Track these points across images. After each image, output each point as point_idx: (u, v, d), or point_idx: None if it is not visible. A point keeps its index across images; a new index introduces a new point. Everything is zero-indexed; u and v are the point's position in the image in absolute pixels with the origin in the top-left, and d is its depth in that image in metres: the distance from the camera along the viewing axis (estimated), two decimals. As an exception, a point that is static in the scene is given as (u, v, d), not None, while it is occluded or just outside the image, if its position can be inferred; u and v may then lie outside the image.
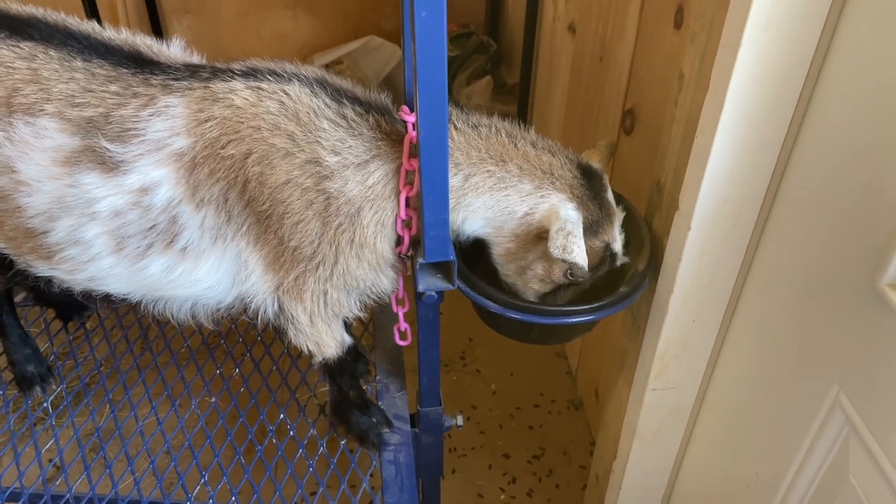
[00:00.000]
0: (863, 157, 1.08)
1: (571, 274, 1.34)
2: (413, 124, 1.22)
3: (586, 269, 1.26)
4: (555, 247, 1.23)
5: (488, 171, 1.29)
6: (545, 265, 1.36)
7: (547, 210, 1.29)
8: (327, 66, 3.19)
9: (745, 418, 1.49)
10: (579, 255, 1.23)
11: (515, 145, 1.31)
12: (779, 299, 1.34)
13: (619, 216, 1.39)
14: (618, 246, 1.38)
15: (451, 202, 1.29)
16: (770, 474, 1.40)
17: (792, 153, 1.25)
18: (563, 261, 1.25)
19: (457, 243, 1.39)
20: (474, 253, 1.45)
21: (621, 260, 1.40)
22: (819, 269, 1.21)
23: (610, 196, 1.37)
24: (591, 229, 1.32)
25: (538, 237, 1.32)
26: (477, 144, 1.30)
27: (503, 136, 1.32)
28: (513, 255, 1.38)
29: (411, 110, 1.23)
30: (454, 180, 1.29)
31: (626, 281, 1.41)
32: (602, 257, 1.36)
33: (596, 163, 1.40)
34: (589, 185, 1.32)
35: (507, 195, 1.30)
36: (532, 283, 1.40)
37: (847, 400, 1.16)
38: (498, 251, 1.39)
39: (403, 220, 1.30)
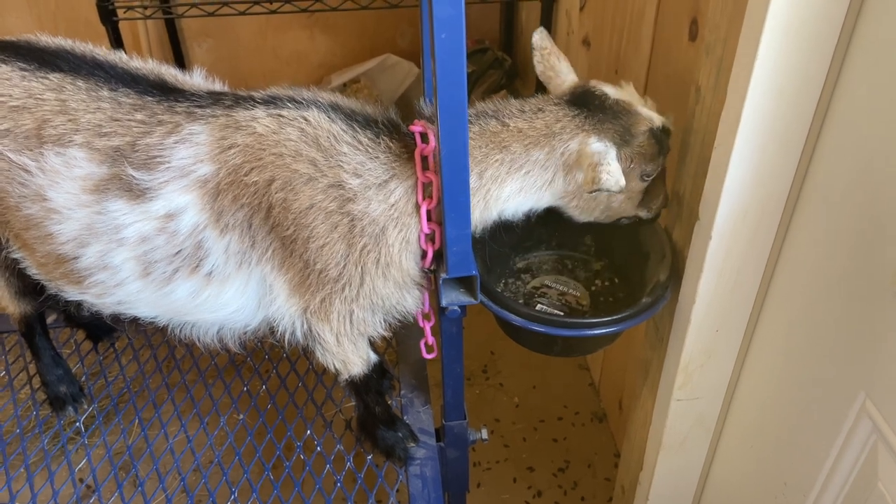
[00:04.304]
0: (883, 160, 1.08)
1: (646, 174, 1.35)
2: (421, 135, 1.25)
3: (622, 183, 1.26)
4: (588, 182, 1.27)
5: (497, 159, 1.30)
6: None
7: (577, 157, 1.30)
8: (344, 85, 3.23)
9: (772, 428, 1.48)
10: (608, 180, 1.25)
11: (506, 125, 1.31)
12: (802, 307, 1.33)
13: (631, 94, 1.36)
14: (656, 119, 1.34)
15: (479, 203, 1.31)
16: (798, 483, 1.39)
17: (812, 160, 1.25)
18: (600, 189, 1.27)
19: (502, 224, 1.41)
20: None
21: (668, 123, 1.36)
22: (842, 275, 1.21)
23: (611, 97, 1.33)
24: (624, 137, 1.31)
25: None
26: (476, 142, 1.30)
27: (492, 121, 1.32)
28: (587, 206, 1.40)
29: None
30: (469, 182, 1.29)
31: (648, 292, 1.42)
32: (656, 140, 1.33)
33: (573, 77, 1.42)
34: (589, 110, 1.31)
35: (529, 172, 1.31)
36: (624, 207, 1.42)
37: (874, 407, 1.15)
38: (575, 213, 1.42)
39: (427, 234, 1.31)
